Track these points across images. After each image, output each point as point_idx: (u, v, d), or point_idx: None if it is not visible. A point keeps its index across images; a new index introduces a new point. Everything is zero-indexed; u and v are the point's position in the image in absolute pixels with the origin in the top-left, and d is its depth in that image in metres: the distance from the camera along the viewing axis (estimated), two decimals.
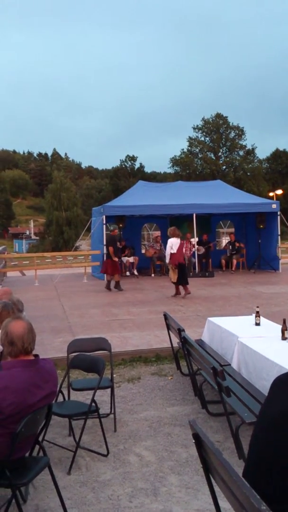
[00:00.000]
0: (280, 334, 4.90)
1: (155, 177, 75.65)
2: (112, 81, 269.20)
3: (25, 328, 2.88)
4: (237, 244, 17.59)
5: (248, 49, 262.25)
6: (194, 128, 69.10)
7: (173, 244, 11.72)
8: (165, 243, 18.23)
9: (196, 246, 16.95)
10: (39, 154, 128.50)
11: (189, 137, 68.96)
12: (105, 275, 13.83)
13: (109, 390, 4.70)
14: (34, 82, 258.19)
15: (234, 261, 17.40)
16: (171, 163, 68.81)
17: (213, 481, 2.21)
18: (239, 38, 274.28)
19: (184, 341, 5.28)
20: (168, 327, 6.38)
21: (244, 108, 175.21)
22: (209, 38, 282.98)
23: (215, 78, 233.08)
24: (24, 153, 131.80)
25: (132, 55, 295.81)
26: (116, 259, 13.31)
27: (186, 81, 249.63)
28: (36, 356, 2.96)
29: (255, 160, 70.13)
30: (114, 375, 5.57)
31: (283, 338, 4.84)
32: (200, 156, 68.24)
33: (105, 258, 13.89)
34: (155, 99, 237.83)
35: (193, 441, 2.25)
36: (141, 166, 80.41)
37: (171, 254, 11.67)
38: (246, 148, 68.32)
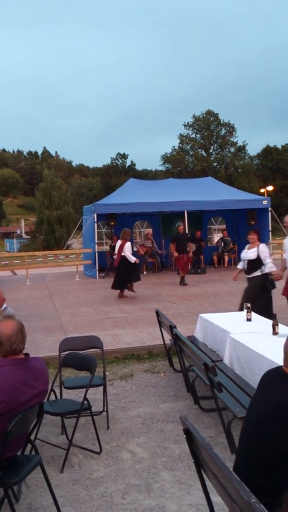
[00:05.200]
0: (271, 329, 4.92)
1: (147, 175, 75.61)
2: (102, 80, 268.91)
3: (14, 328, 2.87)
4: (231, 246, 17.62)
5: (235, 47, 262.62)
6: (185, 125, 69.19)
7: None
8: (156, 240, 18.34)
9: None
10: (29, 153, 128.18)
11: (180, 134, 69.02)
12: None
13: (101, 388, 4.70)
14: (23, 81, 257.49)
15: (226, 258, 17.45)
16: (162, 161, 68.90)
17: (205, 476, 2.23)
18: (225, 36, 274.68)
19: (176, 337, 5.30)
20: (160, 324, 6.39)
21: (234, 105, 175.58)
22: (196, 36, 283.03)
23: (204, 76, 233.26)
24: (14, 151, 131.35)
25: (121, 53, 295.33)
26: (176, 254, 13.75)
27: (176, 79, 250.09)
28: (27, 355, 2.95)
29: (246, 157, 70.32)
30: (107, 373, 5.57)
31: (274, 333, 4.87)
32: (191, 153, 68.30)
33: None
34: (145, 96, 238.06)
35: (185, 436, 2.26)
36: (132, 164, 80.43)
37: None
38: (237, 145, 68.46)
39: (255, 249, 7.72)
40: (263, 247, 7.79)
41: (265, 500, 1.73)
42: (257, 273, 7.67)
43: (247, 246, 7.98)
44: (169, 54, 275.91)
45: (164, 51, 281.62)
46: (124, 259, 11.41)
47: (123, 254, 11.44)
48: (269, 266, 7.61)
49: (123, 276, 11.55)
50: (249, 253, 7.77)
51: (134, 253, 18.01)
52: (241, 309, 7.61)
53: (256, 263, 7.65)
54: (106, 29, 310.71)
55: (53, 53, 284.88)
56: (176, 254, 13.69)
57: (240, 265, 8.14)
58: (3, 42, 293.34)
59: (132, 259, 11.44)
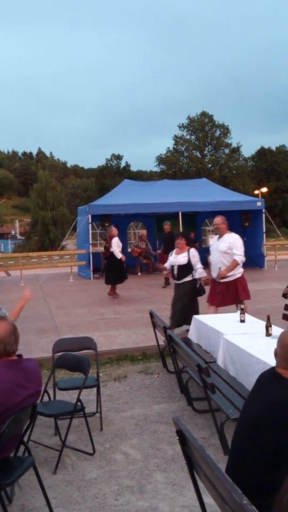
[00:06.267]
0: (264, 330, 4.94)
1: (141, 176, 75.52)
2: (97, 80, 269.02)
3: (7, 330, 2.86)
4: None
5: (229, 48, 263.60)
6: (179, 127, 69.13)
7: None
8: (151, 241, 18.34)
9: None
10: (24, 153, 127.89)
11: (175, 135, 68.96)
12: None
13: (95, 389, 4.69)
14: (17, 81, 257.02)
15: None
16: (157, 162, 68.79)
17: (197, 477, 2.23)
18: (220, 37, 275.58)
19: (169, 339, 5.31)
20: (154, 326, 6.40)
21: (228, 107, 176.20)
22: (191, 37, 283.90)
23: (199, 77, 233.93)
24: (8, 152, 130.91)
25: (116, 54, 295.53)
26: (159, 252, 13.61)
27: (171, 80, 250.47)
28: (20, 356, 2.95)
29: (240, 158, 70.43)
30: (101, 374, 5.57)
31: (267, 334, 4.88)
32: (185, 154, 68.30)
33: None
34: (140, 97, 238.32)
35: (177, 437, 2.27)
36: (127, 165, 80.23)
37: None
38: (232, 146, 68.56)
39: (185, 254, 7.48)
40: (193, 251, 7.54)
41: (257, 501, 1.74)
42: (188, 278, 7.45)
43: (175, 251, 7.70)
44: (164, 55, 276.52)
45: (159, 52, 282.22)
46: (112, 254, 11.53)
47: (111, 250, 11.56)
48: (199, 272, 7.42)
49: (111, 272, 11.64)
50: (179, 258, 7.49)
51: (127, 254, 18.09)
52: (172, 316, 7.50)
53: (187, 268, 7.43)
54: (101, 29, 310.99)
55: (48, 53, 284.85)
56: (159, 252, 13.59)
57: (167, 265, 7.81)
58: None
59: (118, 255, 11.44)
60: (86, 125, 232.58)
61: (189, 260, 7.44)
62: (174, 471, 3.65)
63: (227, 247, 6.93)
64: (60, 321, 9.06)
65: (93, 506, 3.22)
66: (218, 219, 7.15)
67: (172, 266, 7.64)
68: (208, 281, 7.39)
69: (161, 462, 3.81)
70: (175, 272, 7.56)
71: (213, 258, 7.18)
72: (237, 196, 18.89)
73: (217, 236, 7.26)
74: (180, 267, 7.47)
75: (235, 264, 6.93)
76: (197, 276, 7.42)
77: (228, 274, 6.94)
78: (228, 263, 6.92)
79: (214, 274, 7.11)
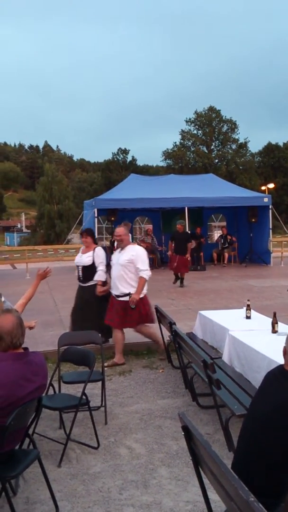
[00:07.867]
0: (270, 327, 4.92)
1: (147, 170, 75.36)
2: (102, 75, 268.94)
3: (14, 323, 2.86)
4: (229, 237, 17.65)
5: (235, 43, 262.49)
6: (186, 121, 68.93)
7: None
8: (157, 236, 18.31)
9: None
10: (31, 147, 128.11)
11: (182, 130, 68.76)
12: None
13: (100, 383, 4.70)
14: (23, 75, 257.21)
15: (226, 255, 17.45)
16: (164, 156, 68.65)
17: (202, 473, 2.23)
18: (226, 32, 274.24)
19: (175, 334, 5.30)
20: (160, 321, 6.38)
21: (235, 102, 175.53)
22: (198, 31, 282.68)
23: (205, 72, 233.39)
24: (15, 145, 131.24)
25: (121, 48, 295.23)
26: (169, 253, 13.05)
27: (177, 74, 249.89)
28: (26, 349, 2.95)
29: (248, 154, 70.10)
30: (106, 368, 5.58)
31: (273, 331, 4.87)
32: (192, 149, 68.07)
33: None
34: (146, 92, 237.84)
35: (183, 433, 2.26)
36: (133, 159, 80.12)
37: None
38: (239, 142, 68.26)
39: (90, 253, 6.71)
40: (99, 250, 6.75)
41: (263, 499, 1.73)
42: (94, 281, 6.69)
43: (81, 250, 7.01)
44: (171, 49, 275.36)
45: (166, 46, 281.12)
46: None
47: None
48: (99, 274, 6.63)
49: None
50: (83, 258, 6.75)
51: None
52: (73, 323, 6.81)
53: (93, 269, 6.67)
54: (107, 24, 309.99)
55: (54, 47, 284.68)
56: (169, 253, 13.00)
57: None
58: (3, 34, 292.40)
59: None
60: (92, 119, 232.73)
61: (94, 260, 6.69)
62: (179, 466, 3.65)
63: (128, 260, 6.10)
64: (65, 315, 9.03)
65: (97, 500, 3.22)
66: (121, 230, 6.29)
67: (77, 267, 6.88)
68: (100, 289, 6.61)
69: (166, 457, 3.82)
70: (80, 273, 6.81)
71: (113, 272, 6.30)
72: (244, 192, 18.78)
73: (119, 249, 6.38)
74: (85, 268, 6.71)
75: (143, 282, 6.15)
76: (95, 278, 6.66)
77: (128, 291, 6.13)
78: (129, 278, 6.12)
79: (114, 291, 6.29)
